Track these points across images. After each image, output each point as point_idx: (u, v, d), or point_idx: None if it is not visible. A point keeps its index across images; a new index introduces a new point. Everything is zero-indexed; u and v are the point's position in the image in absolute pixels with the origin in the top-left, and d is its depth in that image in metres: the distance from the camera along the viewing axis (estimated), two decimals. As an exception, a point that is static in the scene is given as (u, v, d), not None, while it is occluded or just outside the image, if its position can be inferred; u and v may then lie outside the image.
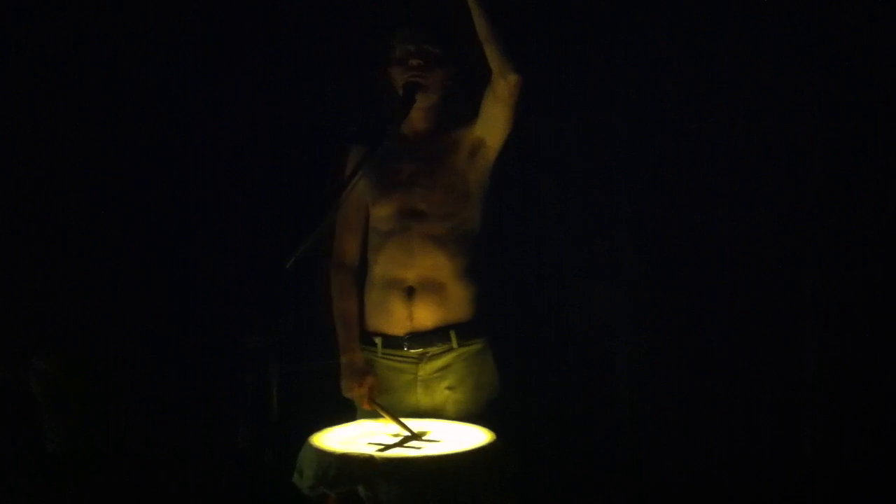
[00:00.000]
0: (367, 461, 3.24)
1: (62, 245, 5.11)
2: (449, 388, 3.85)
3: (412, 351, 3.87)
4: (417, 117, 3.92)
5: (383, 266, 3.91)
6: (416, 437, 3.51)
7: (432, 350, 3.87)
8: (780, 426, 4.82)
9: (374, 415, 3.78)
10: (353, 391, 3.88)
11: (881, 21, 4.62)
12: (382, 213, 3.92)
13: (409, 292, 3.85)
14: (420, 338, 3.86)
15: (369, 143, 3.86)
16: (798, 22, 4.75)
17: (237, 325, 5.01)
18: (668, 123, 4.96)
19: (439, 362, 3.88)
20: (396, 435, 3.53)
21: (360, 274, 4.04)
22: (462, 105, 3.94)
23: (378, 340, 3.93)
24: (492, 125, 3.83)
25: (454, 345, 3.87)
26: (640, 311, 5.02)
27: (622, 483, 4.96)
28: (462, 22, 3.85)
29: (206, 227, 5.30)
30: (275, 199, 5.37)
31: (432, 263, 3.84)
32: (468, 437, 3.46)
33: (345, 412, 3.85)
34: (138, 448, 4.92)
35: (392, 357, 3.92)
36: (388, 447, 3.40)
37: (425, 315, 3.86)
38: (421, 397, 3.89)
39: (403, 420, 3.64)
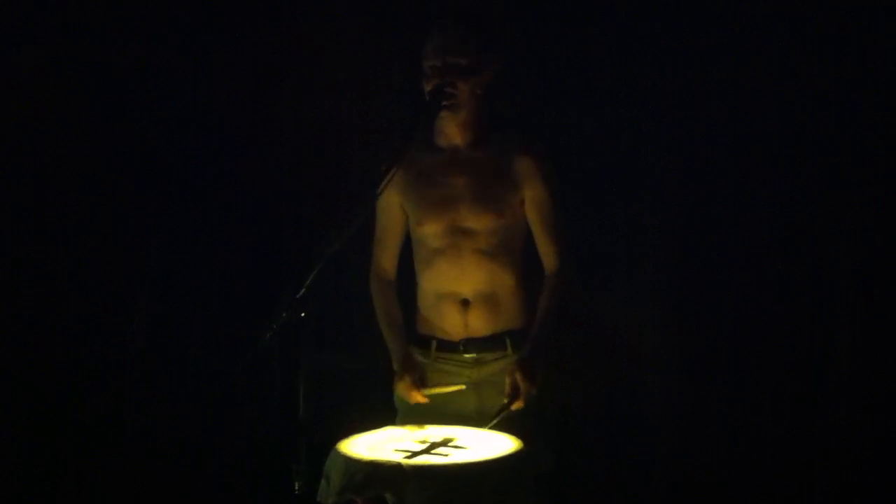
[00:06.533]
0: (394, 468, 3.22)
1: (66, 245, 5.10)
2: (500, 392, 3.82)
3: (467, 355, 3.87)
4: (453, 132, 3.90)
5: (435, 280, 3.93)
6: (443, 443, 3.50)
7: (487, 356, 3.88)
8: (801, 425, 4.83)
9: (411, 419, 3.76)
10: (406, 383, 3.86)
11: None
12: (430, 229, 3.91)
13: (465, 304, 3.89)
14: (476, 343, 3.90)
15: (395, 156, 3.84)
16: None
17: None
18: (669, 125, 4.97)
19: (493, 368, 3.89)
20: (423, 441, 3.52)
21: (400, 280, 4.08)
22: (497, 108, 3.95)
23: (433, 343, 3.95)
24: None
25: (509, 351, 3.89)
26: (660, 310, 5.02)
27: (641, 481, 4.98)
28: (488, 22, 3.89)
29: (225, 226, 5.29)
30: (277, 198, 5.35)
31: (485, 278, 3.87)
32: (495, 444, 3.44)
33: (372, 417, 3.82)
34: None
35: (446, 360, 3.94)
36: (415, 454, 3.39)
37: (481, 324, 3.90)
38: (471, 400, 3.89)
39: (431, 427, 3.66)
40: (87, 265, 5.14)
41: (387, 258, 4.09)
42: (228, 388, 4.76)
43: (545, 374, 3.81)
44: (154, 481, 5.07)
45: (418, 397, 3.84)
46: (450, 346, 3.94)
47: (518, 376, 3.69)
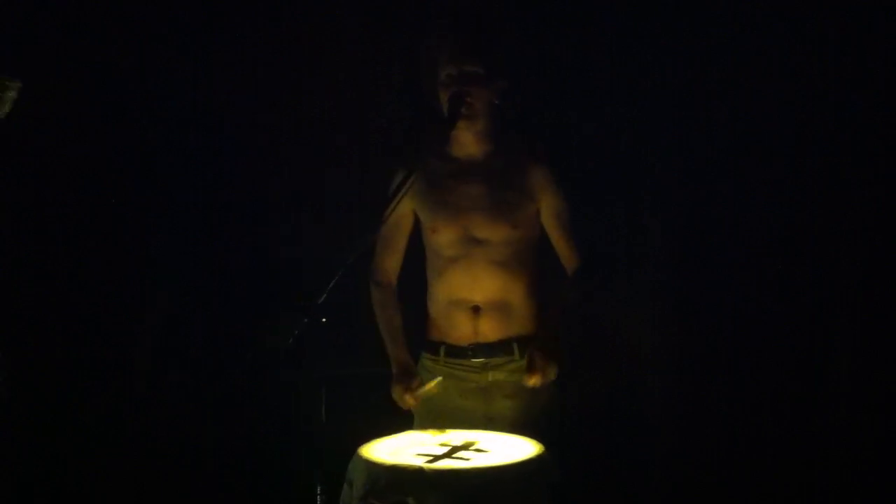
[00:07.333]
0: (416, 472, 3.23)
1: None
2: (507, 397, 3.89)
3: (475, 360, 3.88)
4: (469, 141, 3.90)
5: (447, 287, 3.95)
6: (465, 447, 3.50)
7: (495, 361, 3.90)
8: (801, 425, 4.84)
9: (431, 422, 3.78)
10: (401, 389, 3.88)
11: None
12: (443, 238, 3.93)
13: (476, 310, 3.90)
14: (484, 348, 3.91)
15: (411, 163, 3.85)
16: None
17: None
18: (669, 125, 4.98)
19: (501, 373, 3.92)
20: (445, 445, 3.52)
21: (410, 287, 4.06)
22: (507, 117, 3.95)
23: (441, 349, 3.96)
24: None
25: (516, 356, 3.90)
26: (660, 310, 5.03)
27: (641, 481, 4.99)
28: (500, 30, 3.88)
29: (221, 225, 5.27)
30: (277, 198, 5.34)
31: (498, 286, 3.89)
32: (516, 448, 3.45)
33: (378, 423, 3.82)
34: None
35: (454, 365, 3.95)
36: (437, 458, 3.39)
37: (490, 330, 3.91)
38: (479, 405, 3.92)
39: (452, 431, 3.66)
40: (87, 265, 5.11)
41: (390, 261, 4.09)
42: (229, 387, 4.77)
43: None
44: (154, 481, 5.05)
45: (410, 401, 3.86)
46: (458, 352, 3.97)
47: (538, 355, 3.68)
